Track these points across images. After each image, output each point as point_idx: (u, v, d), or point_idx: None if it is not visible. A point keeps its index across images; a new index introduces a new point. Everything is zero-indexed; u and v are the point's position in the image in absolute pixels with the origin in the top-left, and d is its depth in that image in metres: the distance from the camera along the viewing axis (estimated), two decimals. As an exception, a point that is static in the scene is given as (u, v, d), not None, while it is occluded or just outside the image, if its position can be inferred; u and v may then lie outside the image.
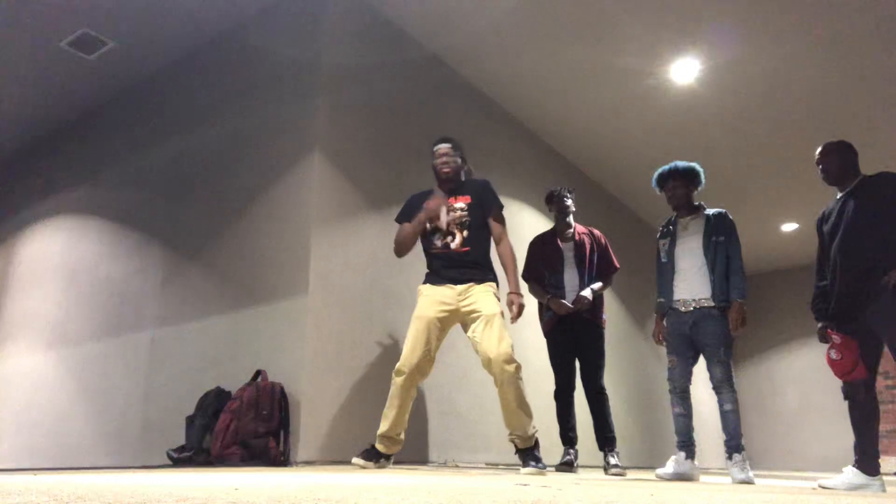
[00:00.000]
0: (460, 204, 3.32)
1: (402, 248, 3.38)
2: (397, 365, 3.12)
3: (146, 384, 4.20)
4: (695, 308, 3.48)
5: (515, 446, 3.12)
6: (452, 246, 3.26)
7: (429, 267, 3.34)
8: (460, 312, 3.16)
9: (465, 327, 3.19)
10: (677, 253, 3.63)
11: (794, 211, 7.61)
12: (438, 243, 3.28)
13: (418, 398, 3.99)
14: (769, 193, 7.16)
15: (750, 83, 5.23)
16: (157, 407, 4.06)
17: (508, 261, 3.27)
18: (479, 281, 3.19)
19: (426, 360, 3.12)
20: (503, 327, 3.06)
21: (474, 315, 3.11)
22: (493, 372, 3.01)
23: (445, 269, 3.24)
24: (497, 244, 3.32)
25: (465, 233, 3.26)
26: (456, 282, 3.19)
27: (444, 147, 3.45)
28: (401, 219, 3.43)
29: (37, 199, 5.89)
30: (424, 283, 3.30)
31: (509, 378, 2.97)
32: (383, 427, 3.11)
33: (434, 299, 3.18)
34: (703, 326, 3.44)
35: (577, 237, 4.10)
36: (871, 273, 3.00)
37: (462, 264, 3.22)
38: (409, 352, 3.11)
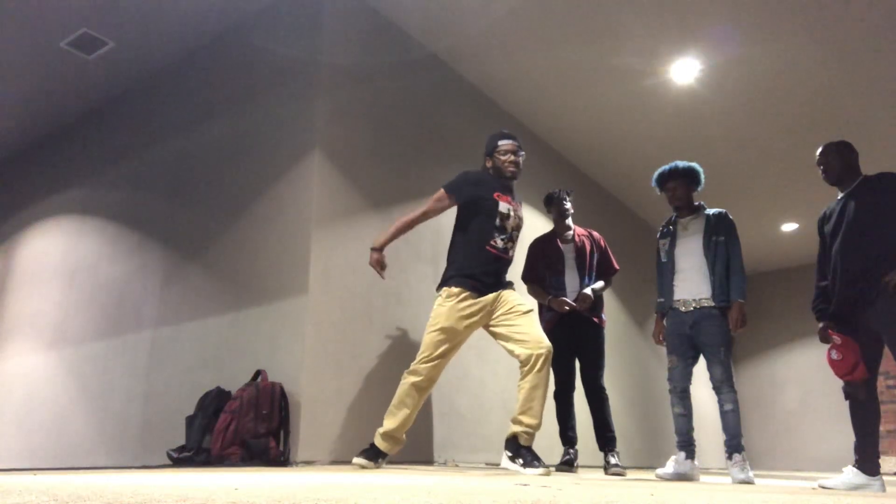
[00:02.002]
0: (521, 212, 3.28)
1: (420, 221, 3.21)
2: (413, 366, 3.06)
3: (146, 384, 4.20)
4: (695, 308, 3.48)
5: (517, 443, 2.95)
6: (510, 254, 3.21)
7: (462, 266, 3.11)
8: (486, 318, 3.12)
9: (489, 322, 3.12)
10: (677, 253, 3.63)
11: (794, 211, 7.61)
12: (500, 244, 3.13)
13: (418, 398, 4.00)
14: (769, 193, 7.16)
15: (750, 83, 5.23)
16: (157, 407, 4.06)
17: None
18: (504, 287, 3.17)
19: (440, 370, 3.11)
20: None
21: (510, 309, 3.08)
22: (535, 354, 2.93)
23: (487, 273, 3.11)
24: None
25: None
26: (489, 291, 3.10)
27: (512, 143, 3.23)
28: (450, 189, 3.17)
29: (37, 199, 5.89)
30: (456, 285, 3.08)
31: (547, 367, 2.98)
32: (389, 425, 3.04)
33: (463, 312, 3.05)
34: (703, 326, 3.44)
35: (577, 239, 4.11)
36: (872, 273, 2.99)
37: (503, 269, 3.19)
38: (430, 362, 3.03)
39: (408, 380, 3.06)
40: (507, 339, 3.06)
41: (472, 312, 3.06)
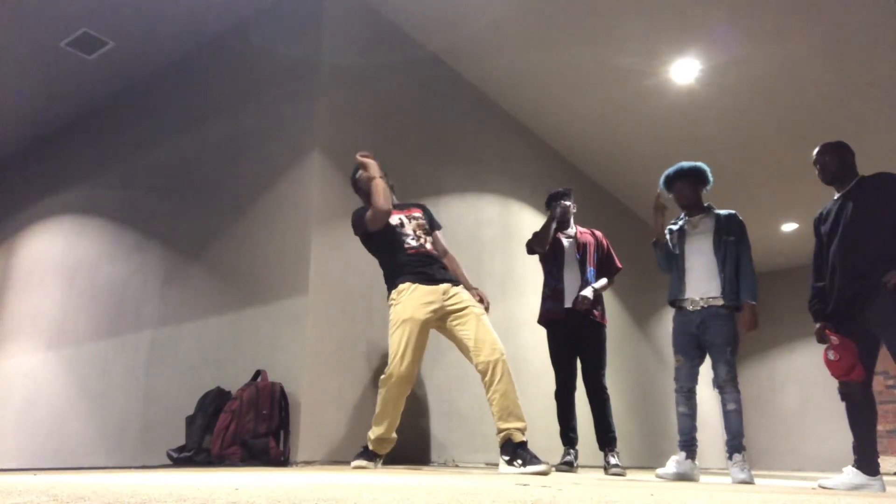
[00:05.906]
0: (416, 213, 3.36)
1: (385, 215, 3.20)
2: (388, 371, 3.05)
3: (146, 384, 4.20)
4: (703, 307, 3.48)
5: (513, 444, 2.90)
6: (428, 247, 3.27)
7: (400, 269, 3.19)
8: (444, 311, 3.11)
9: (445, 324, 3.13)
10: (687, 251, 3.62)
11: (794, 211, 7.61)
12: (414, 243, 3.23)
13: (419, 398, 4.00)
14: (769, 193, 7.16)
15: (750, 83, 5.23)
16: (157, 407, 4.06)
17: (458, 264, 3.43)
18: (454, 283, 3.21)
19: (417, 366, 3.10)
20: None
21: (463, 311, 3.10)
22: (491, 362, 2.95)
23: (423, 266, 3.17)
24: (444, 254, 3.40)
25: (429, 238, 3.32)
26: (437, 281, 3.15)
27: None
28: (361, 216, 3.26)
29: (37, 199, 5.89)
30: (403, 281, 3.14)
31: (508, 369, 2.99)
32: (378, 431, 3.08)
33: (421, 301, 3.08)
34: (710, 325, 3.43)
35: (578, 235, 4.16)
36: (870, 274, 2.99)
37: (433, 262, 3.23)
38: (405, 359, 3.01)
39: (385, 387, 3.07)
40: (461, 343, 3.09)
41: (430, 301, 3.10)
